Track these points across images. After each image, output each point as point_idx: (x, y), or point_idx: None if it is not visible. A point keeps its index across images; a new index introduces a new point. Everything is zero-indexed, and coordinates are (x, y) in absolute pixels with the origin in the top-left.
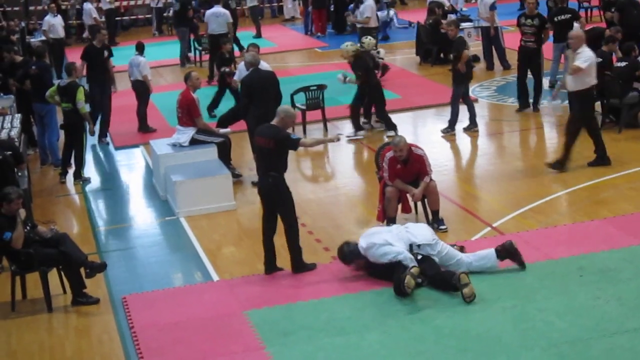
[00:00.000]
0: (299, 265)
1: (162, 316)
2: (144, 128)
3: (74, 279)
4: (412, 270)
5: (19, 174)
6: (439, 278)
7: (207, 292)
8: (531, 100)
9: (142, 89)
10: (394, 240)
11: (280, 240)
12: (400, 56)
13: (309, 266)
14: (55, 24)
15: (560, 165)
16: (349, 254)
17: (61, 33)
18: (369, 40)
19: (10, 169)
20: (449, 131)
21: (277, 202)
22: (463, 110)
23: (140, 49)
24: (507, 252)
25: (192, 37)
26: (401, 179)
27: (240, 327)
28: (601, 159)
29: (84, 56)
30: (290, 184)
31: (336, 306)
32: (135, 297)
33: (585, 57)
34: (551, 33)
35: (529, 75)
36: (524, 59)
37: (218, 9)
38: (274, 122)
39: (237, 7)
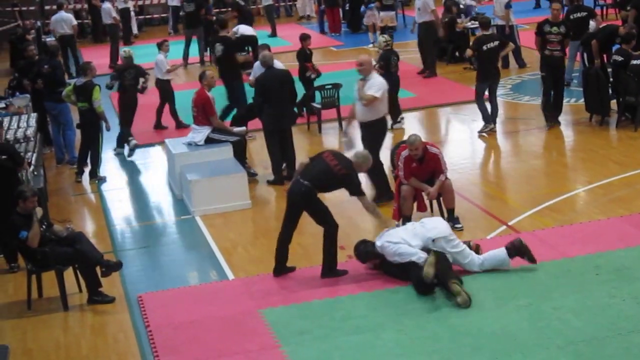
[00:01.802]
0: (329, 271)
1: (177, 315)
2: (159, 126)
3: (90, 277)
4: (429, 259)
5: (22, 175)
6: (441, 279)
7: (223, 291)
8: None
9: (163, 88)
10: (410, 237)
11: (296, 238)
12: (414, 55)
13: (339, 272)
14: (63, 20)
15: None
16: (365, 252)
17: (68, 29)
18: (380, 38)
19: (9, 173)
20: (487, 127)
21: (308, 211)
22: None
23: (160, 46)
24: (516, 249)
25: (195, 37)
26: (417, 177)
27: (256, 326)
28: (383, 195)
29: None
30: None
31: (352, 305)
32: (150, 295)
33: (378, 84)
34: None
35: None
36: (550, 68)
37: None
38: (352, 159)
39: (252, 6)
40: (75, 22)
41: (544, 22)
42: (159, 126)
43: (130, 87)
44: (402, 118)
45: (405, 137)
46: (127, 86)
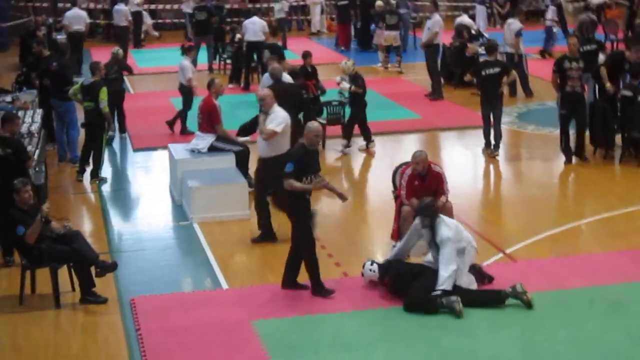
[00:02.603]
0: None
1: (169, 320)
2: (184, 131)
3: (84, 277)
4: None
5: (29, 170)
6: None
7: (216, 299)
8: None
9: (184, 92)
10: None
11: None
12: (422, 76)
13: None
14: (79, 16)
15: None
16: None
17: (82, 27)
18: (344, 63)
19: (11, 167)
20: (485, 150)
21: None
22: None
23: (185, 51)
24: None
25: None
26: (418, 195)
27: (247, 337)
28: (266, 236)
29: None
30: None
31: (344, 322)
32: (143, 299)
33: (280, 119)
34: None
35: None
36: (572, 106)
37: (255, 18)
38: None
39: (264, 18)
40: (88, 19)
41: (563, 57)
42: (184, 131)
43: (114, 80)
44: (373, 142)
45: (376, 160)
46: (111, 80)
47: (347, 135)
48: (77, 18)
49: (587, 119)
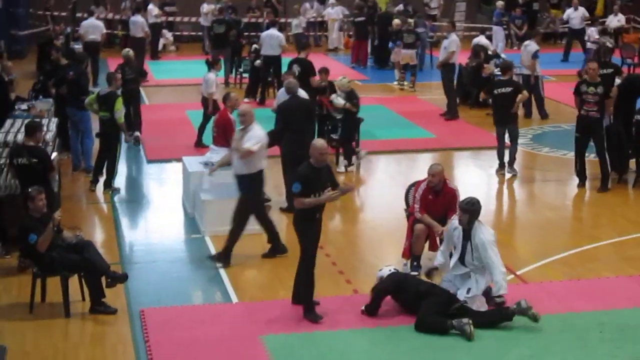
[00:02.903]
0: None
1: (178, 332)
2: (199, 143)
3: (94, 287)
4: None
5: (51, 180)
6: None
7: (226, 313)
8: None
9: (207, 105)
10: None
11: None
12: (438, 96)
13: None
14: (95, 26)
15: (221, 258)
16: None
17: (97, 36)
18: (340, 80)
19: (36, 176)
20: (499, 170)
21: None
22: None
23: (211, 65)
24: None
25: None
26: (430, 210)
27: (256, 351)
28: (276, 249)
29: None
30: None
31: (353, 339)
32: (153, 310)
33: (257, 137)
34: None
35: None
36: (585, 129)
37: (273, 31)
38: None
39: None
40: (104, 30)
41: (582, 81)
42: (199, 144)
43: (130, 80)
44: (353, 164)
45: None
46: (127, 80)
47: (347, 154)
48: (93, 28)
49: (603, 146)
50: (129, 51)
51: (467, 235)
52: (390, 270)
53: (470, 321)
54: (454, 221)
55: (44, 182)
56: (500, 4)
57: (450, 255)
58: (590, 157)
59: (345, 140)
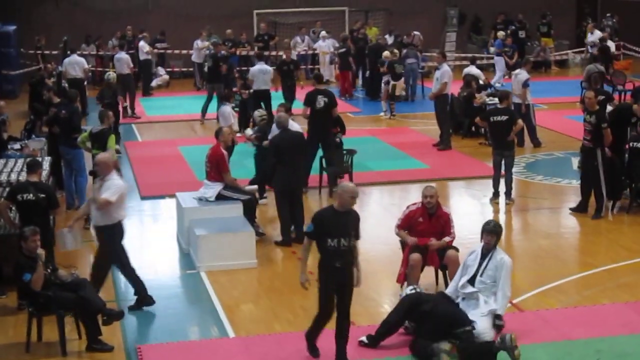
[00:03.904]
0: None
1: None
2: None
3: (91, 325)
4: (444, 349)
5: (51, 217)
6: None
7: (222, 348)
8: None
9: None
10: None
11: (299, 300)
12: (430, 126)
13: None
14: (76, 62)
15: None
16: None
17: (79, 73)
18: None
19: (40, 211)
20: (493, 199)
21: None
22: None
23: (225, 98)
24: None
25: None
26: (424, 234)
27: None
28: (142, 301)
29: None
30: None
31: None
32: (149, 347)
33: (115, 188)
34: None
35: None
36: (583, 157)
37: (264, 65)
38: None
39: (273, 67)
40: (86, 65)
41: (584, 109)
42: None
43: (108, 105)
44: (265, 197)
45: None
46: (107, 104)
47: (260, 190)
48: (73, 64)
49: (598, 176)
50: (108, 75)
51: (484, 255)
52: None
53: (446, 348)
54: (473, 248)
55: (44, 219)
56: (501, 34)
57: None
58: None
59: (262, 177)
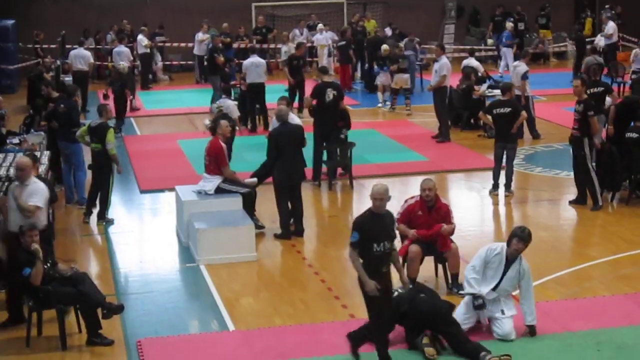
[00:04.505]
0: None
1: None
2: None
3: (91, 319)
4: (424, 341)
5: (50, 210)
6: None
7: (222, 341)
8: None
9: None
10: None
11: (298, 293)
12: (429, 119)
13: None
14: (82, 56)
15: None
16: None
17: (85, 66)
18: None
19: None
20: (492, 191)
21: None
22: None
23: (227, 92)
24: None
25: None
26: (424, 227)
27: None
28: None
29: None
30: (314, 239)
31: None
32: (150, 341)
33: (40, 192)
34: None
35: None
36: (573, 148)
37: (256, 58)
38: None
39: (272, 60)
40: (92, 59)
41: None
42: None
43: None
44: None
45: None
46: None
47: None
48: (79, 58)
49: (587, 166)
50: (121, 65)
51: (510, 262)
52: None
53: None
54: (496, 245)
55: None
56: (509, 25)
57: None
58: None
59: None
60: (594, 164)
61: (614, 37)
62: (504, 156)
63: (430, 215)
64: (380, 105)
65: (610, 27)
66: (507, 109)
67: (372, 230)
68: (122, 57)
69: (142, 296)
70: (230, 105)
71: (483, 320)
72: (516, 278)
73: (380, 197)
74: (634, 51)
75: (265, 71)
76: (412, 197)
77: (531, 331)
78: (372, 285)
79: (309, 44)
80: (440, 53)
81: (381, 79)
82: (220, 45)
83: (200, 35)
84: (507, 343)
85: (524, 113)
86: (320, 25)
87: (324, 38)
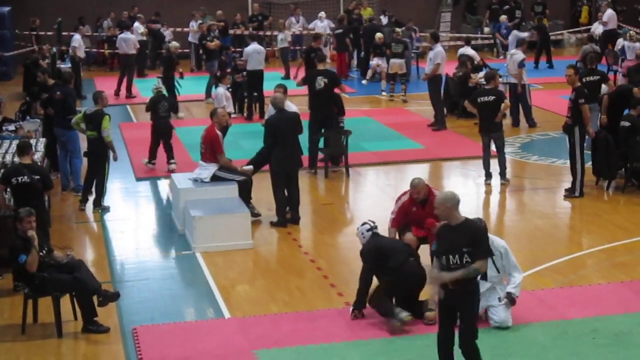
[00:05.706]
0: None
1: (171, 350)
2: None
3: (86, 306)
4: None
5: (46, 198)
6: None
7: (218, 329)
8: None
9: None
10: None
11: (295, 281)
12: (425, 107)
13: None
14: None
15: None
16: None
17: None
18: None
19: (36, 193)
20: (486, 181)
21: None
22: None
23: (219, 79)
24: None
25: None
26: (417, 222)
27: None
28: None
29: None
30: (310, 227)
31: (346, 352)
32: (145, 328)
33: None
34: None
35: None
36: (567, 136)
37: (257, 45)
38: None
39: (268, 48)
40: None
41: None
42: None
43: (163, 118)
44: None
45: None
46: (161, 116)
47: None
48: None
49: (575, 153)
50: (170, 43)
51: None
52: (368, 230)
53: (404, 319)
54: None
55: (39, 200)
56: (503, 18)
57: None
58: (588, 164)
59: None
60: (588, 152)
61: (610, 24)
62: (492, 145)
63: (425, 209)
64: (384, 93)
65: (608, 14)
66: (491, 97)
67: (445, 241)
68: (129, 44)
69: (138, 283)
70: (220, 93)
71: (480, 310)
72: (501, 258)
73: (436, 207)
74: (618, 40)
75: (264, 58)
76: (405, 194)
77: (509, 299)
78: (439, 295)
79: (305, 32)
80: (434, 42)
81: (382, 66)
82: (216, 31)
83: (194, 24)
84: (503, 330)
85: (507, 102)
86: (321, 13)
87: (322, 26)
